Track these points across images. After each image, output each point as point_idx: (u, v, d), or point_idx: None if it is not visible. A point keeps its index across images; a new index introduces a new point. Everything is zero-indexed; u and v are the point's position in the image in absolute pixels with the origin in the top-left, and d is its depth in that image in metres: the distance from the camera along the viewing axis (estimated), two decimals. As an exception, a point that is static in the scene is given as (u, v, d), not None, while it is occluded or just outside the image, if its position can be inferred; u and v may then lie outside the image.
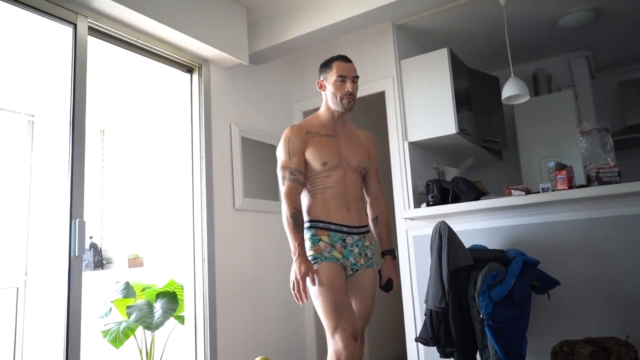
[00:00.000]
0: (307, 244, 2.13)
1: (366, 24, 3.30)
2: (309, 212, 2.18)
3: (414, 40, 3.88)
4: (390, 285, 2.24)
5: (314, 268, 2.06)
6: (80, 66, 2.49)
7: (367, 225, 2.25)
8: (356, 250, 2.15)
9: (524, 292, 2.43)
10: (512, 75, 3.40)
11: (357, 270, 2.16)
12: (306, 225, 2.16)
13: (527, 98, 3.46)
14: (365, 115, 4.39)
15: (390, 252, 2.28)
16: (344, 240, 2.13)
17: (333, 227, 2.13)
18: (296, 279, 2.02)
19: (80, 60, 2.50)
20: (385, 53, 3.60)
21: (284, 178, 2.15)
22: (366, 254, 2.19)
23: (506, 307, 2.37)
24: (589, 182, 2.76)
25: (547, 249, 2.77)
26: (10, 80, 3.82)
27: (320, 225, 2.13)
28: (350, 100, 2.17)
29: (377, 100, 3.69)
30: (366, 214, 2.27)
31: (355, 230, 2.17)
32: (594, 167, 2.76)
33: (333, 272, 2.05)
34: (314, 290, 2.05)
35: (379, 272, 2.27)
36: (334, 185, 2.15)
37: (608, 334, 2.40)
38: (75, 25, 2.51)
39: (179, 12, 2.90)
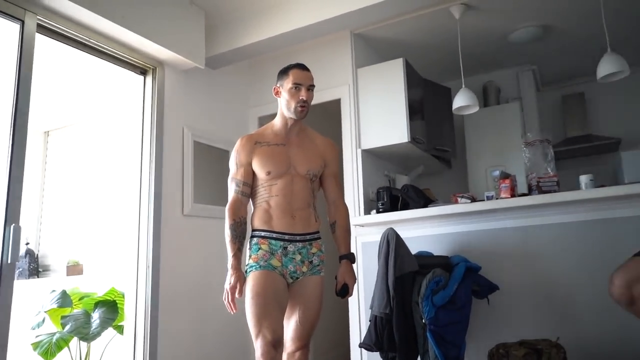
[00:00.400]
0: (247, 253, 2.18)
1: (325, 31, 3.35)
2: (252, 222, 2.22)
3: (371, 49, 3.96)
4: (345, 290, 2.23)
5: (248, 276, 2.11)
6: (25, 64, 2.43)
7: (315, 233, 2.24)
8: (298, 258, 2.16)
9: (465, 296, 2.52)
10: (463, 86, 3.51)
11: (298, 278, 2.17)
12: (251, 234, 2.21)
13: (476, 109, 3.58)
14: (321, 122, 4.42)
15: (347, 257, 2.29)
16: (285, 248, 2.14)
17: (275, 235, 2.15)
18: (226, 289, 2.09)
19: (26, 58, 2.44)
20: (343, 61, 3.66)
21: (230, 190, 2.23)
22: (311, 261, 2.19)
23: (448, 311, 2.45)
24: (530, 191, 2.88)
25: (489, 255, 2.87)
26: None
27: (263, 234, 2.16)
28: (303, 109, 2.18)
29: (333, 108, 3.74)
30: (316, 221, 2.27)
31: (298, 237, 2.17)
32: (535, 176, 2.88)
33: (263, 280, 2.07)
34: (245, 296, 2.08)
35: (336, 277, 2.27)
36: (278, 194, 2.17)
37: (541, 336, 2.50)
38: (23, 22, 2.45)
39: (135, 12, 2.87)
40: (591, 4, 3.27)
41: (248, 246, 2.19)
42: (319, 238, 2.27)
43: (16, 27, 2.46)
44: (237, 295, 2.09)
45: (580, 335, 2.60)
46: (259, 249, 2.13)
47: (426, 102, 3.87)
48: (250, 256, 2.15)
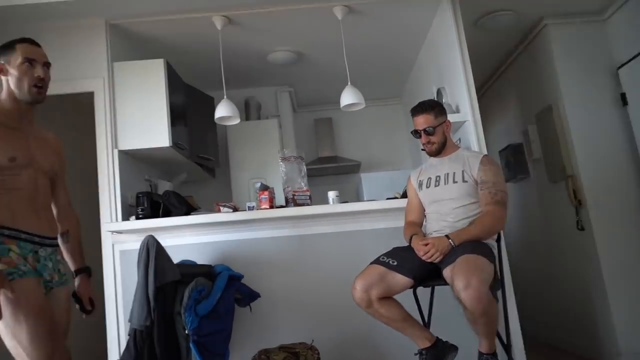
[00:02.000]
0: None
1: (74, 14, 3.02)
2: None
3: (130, 45, 3.66)
4: (92, 306, 2.03)
5: (12, 285, 1.64)
6: None
7: (56, 238, 1.96)
8: (50, 264, 1.85)
9: (228, 305, 2.52)
10: (225, 97, 3.53)
11: (52, 288, 1.85)
12: None
13: (237, 121, 3.65)
14: (70, 115, 3.92)
15: (86, 270, 2.05)
16: (36, 252, 1.79)
17: (23, 236, 1.76)
18: None
19: None
20: (97, 51, 3.29)
21: None
22: (59, 270, 1.91)
23: (211, 321, 2.40)
24: (287, 203, 3.08)
25: (250, 263, 2.96)
26: None
27: (7, 232, 1.73)
28: (41, 90, 1.87)
29: (85, 101, 3.33)
30: (56, 225, 1.98)
31: (48, 241, 1.86)
32: (291, 190, 3.09)
33: (39, 292, 1.72)
34: (15, 312, 1.63)
35: (74, 293, 2.00)
36: (23, 187, 1.79)
37: (298, 340, 2.68)
38: None
39: None
40: (334, 39, 3.69)
41: None
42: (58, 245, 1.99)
43: None
44: (3, 306, 1.61)
45: (331, 336, 2.88)
46: (9, 250, 1.70)
47: (189, 109, 3.80)
48: None
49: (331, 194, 3.11)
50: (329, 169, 5.15)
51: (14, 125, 1.84)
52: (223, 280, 2.55)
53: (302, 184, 3.21)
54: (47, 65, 1.91)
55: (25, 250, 1.75)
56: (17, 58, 1.83)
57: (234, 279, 2.64)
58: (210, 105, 4.10)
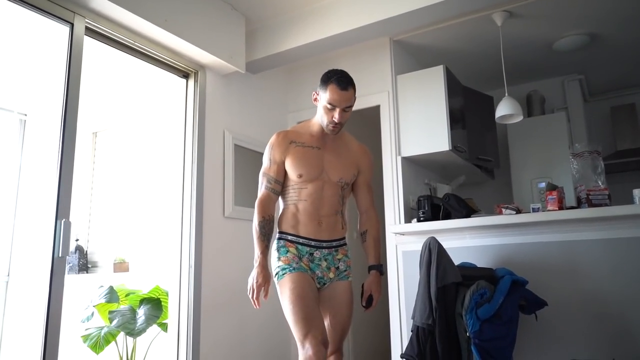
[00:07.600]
0: (275, 254, 2.16)
1: (364, 38, 3.31)
2: (279, 224, 2.21)
3: (411, 56, 3.91)
4: (370, 301, 2.19)
5: (284, 278, 2.07)
6: (75, 66, 2.47)
7: (340, 239, 2.22)
8: (324, 264, 2.15)
9: (511, 311, 2.42)
10: (506, 94, 3.42)
11: (325, 284, 2.16)
12: (277, 236, 2.19)
13: (520, 118, 3.48)
14: (360, 128, 4.38)
15: (376, 267, 2.23)
16: (311, 254, 2.14)
17: (301, 240, 2.14)
18: (252, 286, 2.07)
19: (76, 60, 2.48)
20: (382, 67, 3.62)
21: (261, 184, 2.21)
22: (337, 267, 2.18)
23: (493, 325, 2.36)
24: (579, 204, 2.77)
25: (535, 269, 2.77)
26: (4, 78, 3.79)
27: (289, 237, 2.15)
28: (334, 128, 2.15)
29: (372, 114, 3.70)
30: (343, 227, 2.24)
31: (325, 244, 2.17)
32: (585, 189, 2.77)
33: (303, 281, 2.06)
34: (284, 299, 2.04)
35: (362, 286, 2.22)
36: (307, 199, 2.15)
37: (594, 357, 2.39)
38: (72, 25, 2.49)
39: (178, 17, 2.90)
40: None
41: (274, 246, 2.19)
42: (345, 244, 2.25)
43: (66, 29, 2.50)
44: (262, 296, 2.07)
45: (638, 356, 2.46)
46: (287, 251, 2.13)
47: (467, 111, 3.79)
48: (279, 258, 2.13)
49: (637, 192, 2.66)
50: (632, 164, 4.36)
51: (314, 144, 2.20)
52: (506, 284, 2.47)
53: (599, 182, 2.87)
54: (347, 108, 2.11)
55: (302, 252, 2.13)
56: (325, 98, 2.10)
57: (518, 284, 2.52)
58: (489, 105, 4.02)
